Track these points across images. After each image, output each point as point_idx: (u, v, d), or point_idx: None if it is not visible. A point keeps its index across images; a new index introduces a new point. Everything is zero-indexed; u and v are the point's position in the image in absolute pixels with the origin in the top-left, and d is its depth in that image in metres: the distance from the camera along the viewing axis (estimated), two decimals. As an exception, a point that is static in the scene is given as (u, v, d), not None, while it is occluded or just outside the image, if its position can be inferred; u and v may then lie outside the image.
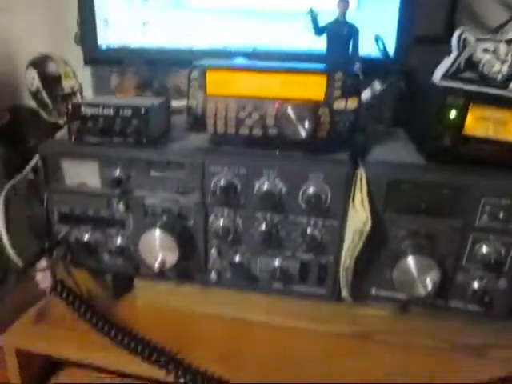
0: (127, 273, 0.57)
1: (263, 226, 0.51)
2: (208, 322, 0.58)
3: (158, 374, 0.51)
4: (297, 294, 0.54)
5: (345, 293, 0.53)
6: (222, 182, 0.49)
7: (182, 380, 0.50)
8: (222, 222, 0.52)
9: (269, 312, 0.57)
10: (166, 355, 0.51)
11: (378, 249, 0.50)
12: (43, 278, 0.75)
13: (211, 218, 0.52)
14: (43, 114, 0.87)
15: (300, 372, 0.51)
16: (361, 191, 0.47)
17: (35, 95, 0.86)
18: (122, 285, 0.61)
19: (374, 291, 0.53)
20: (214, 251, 0.53)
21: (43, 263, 0.70)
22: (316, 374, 0.51)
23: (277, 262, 0.53)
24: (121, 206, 0.53)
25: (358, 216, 0.46)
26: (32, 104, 0.87)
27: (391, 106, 0.62)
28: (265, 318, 0.57)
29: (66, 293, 0.56)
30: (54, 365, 0.62)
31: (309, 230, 0.50)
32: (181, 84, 0.79)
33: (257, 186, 0.49)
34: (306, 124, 0.47)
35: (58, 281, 0.57)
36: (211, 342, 0.55)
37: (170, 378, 0.51)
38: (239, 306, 0.58)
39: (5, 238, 0.53)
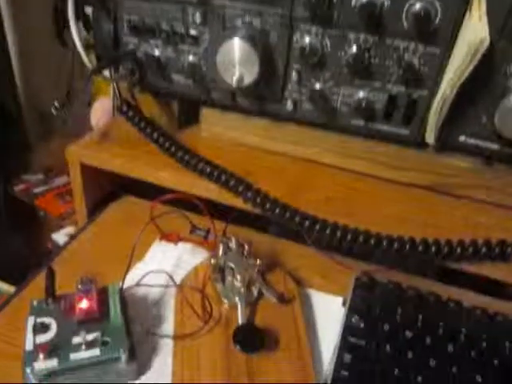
0: (197, 96, 0.54)
1: (353, 49, 0.46)
2: (276, 159, 0.56)
3: (226, 196, 0.50)
4: (377, 134, 0.50)
5: (430, 137, 0.48)
6: (316, -10, 0.43)
7: (250, 204, 0.48)
8: (307, 40, 0.46)
9: (341, 154, 0.54)
10: (236, 178, 0.49)
11: (479, 85, 0.45)
12: (99, 110, 0.73)
13: (296, 36, 0.47)
14: None
15: (362, 213, 0.50)
16: (479, 9, 0.41)
17: None
18: (188, 113, 0.59)
19: (462, 138, 0.49)
20: (294, 75, 0.49)
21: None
22: (375, 216, 0.49)
23: (362, 94, 0.48)
24: (197, 15, 0.48)
25: (475, 33, 0.40)
26: None
27: None
28: (336, 160, 0.55)
29: (132, 112, 0.54)
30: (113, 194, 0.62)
31: (406, 57, 0.45)
32: None
33: (356, -4, 0.43)
34: None
35: (123, 99, 0.54)
36: (277, 177, 0.53)
37: (239, 202, 0.50)
38: (311, 146, 0.55)
39: (75, 37, 0.49)
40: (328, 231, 0.46)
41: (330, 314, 0.48)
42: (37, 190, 0.89)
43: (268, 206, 0.47)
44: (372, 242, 0.45)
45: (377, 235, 0.46)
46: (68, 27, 0.51)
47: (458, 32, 0.43)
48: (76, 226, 0.66)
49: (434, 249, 0.44)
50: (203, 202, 0.47)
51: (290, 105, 0.50)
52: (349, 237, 0.46)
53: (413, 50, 0.44)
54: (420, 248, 0.44)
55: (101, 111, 0.77)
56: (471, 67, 0.41)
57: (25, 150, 1.07)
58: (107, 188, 0.61)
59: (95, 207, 0.60)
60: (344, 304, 0.49)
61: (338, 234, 0.46)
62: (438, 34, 0.43)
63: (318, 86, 0.49)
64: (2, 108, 1.04)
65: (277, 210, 0.47)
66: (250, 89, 0.48)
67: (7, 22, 1.02)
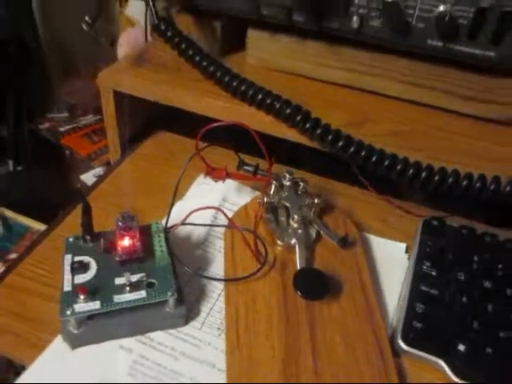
0: (245, 12, 0.47)
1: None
2: (332, 89, 0.49)
3: (279, 128, 0.44)
4: (457, 56, 0.43)
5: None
6: None
7: (308, 136, 0.43)
8: None
9: (408, 83, 0.47)
10: (292, 106, 0.43)
11: None
12: (127, 40, 0.67)
13: None
14: None
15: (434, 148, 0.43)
16: None
17: None
18: (232, 37, 0.52)
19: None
20: (363, -15, 0.41)
21: None
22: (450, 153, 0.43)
23: (443, 7, 0.40)
24: None
25: None
26: None
27: None
28: (401, 91, 0.48)
29: (171, 32, 0.47)
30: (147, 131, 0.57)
31: (505, -43, 0.37)
32: None
33: None
34: None
35: (160, 18, 0.48)
36: (334, 108, 0.47)
37: (293, 134, 0.44)
38: (372, 75, 0.48)
39: None
40: (398, 167, 0.40)
41: (391, 260, 0.43)
42: (62, 129, 0.85)
43: (330, 137, 0.41)
44: (450, 180, 0.39)
45: (454, 173, 0.40)
46: None
47: None
48: (106, 168, 0.62)
49: (524, 189, 0.38)
50: (254, 132, 0.41)
51: (355, 21, 0.43)
52: (423, 174, 0.40)
53: None
54: (508, 188, 0.38)
55: (129, 40, 0.70)
56: None
57: (47, 89, 1.01)
58: (142, 121, 0.56)
59: (129, 142, 0.55)
60: (407, 251, 0.44)
61: (411, 171, 0.40)
62: None
63: (392, -4, 0.41)
64: (21, 43, 0.97)
65: (340, 143, 0.41)
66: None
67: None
